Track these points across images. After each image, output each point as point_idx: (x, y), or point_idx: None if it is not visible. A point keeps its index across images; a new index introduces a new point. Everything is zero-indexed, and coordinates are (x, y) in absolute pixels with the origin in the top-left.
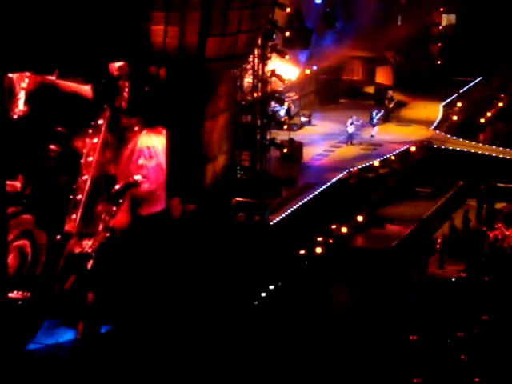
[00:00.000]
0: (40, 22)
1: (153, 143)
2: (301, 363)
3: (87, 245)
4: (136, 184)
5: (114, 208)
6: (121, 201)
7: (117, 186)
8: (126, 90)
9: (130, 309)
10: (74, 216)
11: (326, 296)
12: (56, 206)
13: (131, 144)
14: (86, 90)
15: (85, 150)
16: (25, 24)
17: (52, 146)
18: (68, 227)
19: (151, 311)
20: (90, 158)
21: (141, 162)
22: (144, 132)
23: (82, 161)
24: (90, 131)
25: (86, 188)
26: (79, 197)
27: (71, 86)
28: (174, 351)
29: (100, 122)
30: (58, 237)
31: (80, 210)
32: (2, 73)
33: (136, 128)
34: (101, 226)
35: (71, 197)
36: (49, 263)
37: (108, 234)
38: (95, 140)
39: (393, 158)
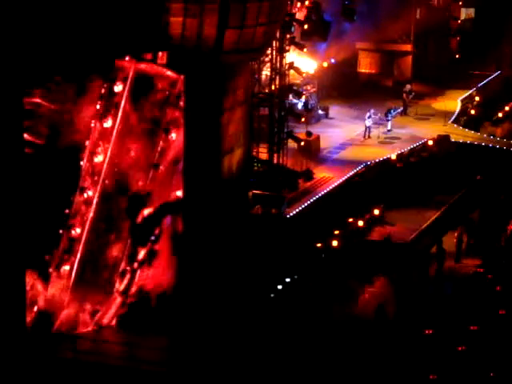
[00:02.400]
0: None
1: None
2: (314, 356)
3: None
4: (177, 206)
5: (143, 251)
6: (153, 237)
7: (147, 211)
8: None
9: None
10: (65, 268)
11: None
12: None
13: (175, 144)
14: None
15: (87, 143)
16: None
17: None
18: (53, 292)
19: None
20: (98, 159)
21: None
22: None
23: (84, 162)
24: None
25: (90, 215)
26: (76, 232)
27: None
28: (190, 343)
29: (118, 87)
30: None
31: (78, 255)
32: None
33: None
34: (118, 286)
35: (61, 231)
36: None
37: (132, 300)
38: (108, 123)
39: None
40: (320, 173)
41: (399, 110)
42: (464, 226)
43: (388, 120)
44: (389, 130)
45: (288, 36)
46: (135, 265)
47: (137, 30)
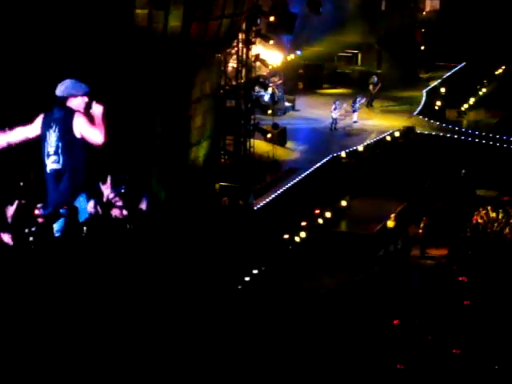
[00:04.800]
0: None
1: None
2: (284, 349)
3: None
4: None
5: None
6: None
7: None
8: None
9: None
10: None
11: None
12: None
13: None
14: None
15: None
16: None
17: None
18: None
19: (134, 297)
20: None
21: None
22: None
23: None
24: None
25: None
26: None
27: None
28: (156, 337)
29: None
30: None
31: None
32: None
33: None
34: None
35: None
36: None
37: None
38: None
39: (375, 143)
40: (287, 164)
41: (364, 99)
42: (429, 217)
43: (355, 110)
44: (355, 122)
45: (254, 28)
46: None
47: (104, 23)
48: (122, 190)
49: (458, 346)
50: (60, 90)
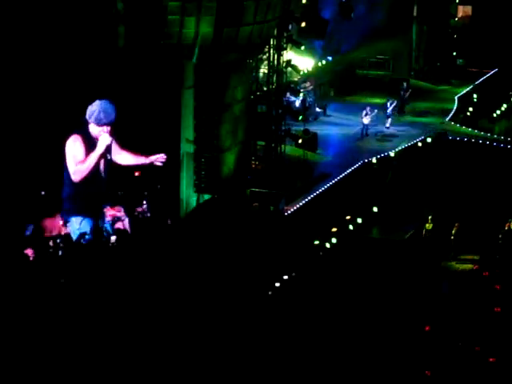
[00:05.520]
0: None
1: None
2: (312, 355)
3: None
4: None
5: None
6: None
7: None
8: None
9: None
10: None
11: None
12: None
13: None
14: None
15: None
16: None
17: None
18: None
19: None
20: None
21: None
22: None
23: None
24: None
25: None
26: None
27: None
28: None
29: None
30: None
31: None
32: None
33: None
34: None
35: None
36: None
37: None
38: None
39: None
40: (318, 170)
41: (395, 104)
42: (461, 223)
43: (388, 116)
44: (387, 128)
45: (285, 34)
46: None
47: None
48: (145, 204)
49: (490, 353)
50: (101, 116)
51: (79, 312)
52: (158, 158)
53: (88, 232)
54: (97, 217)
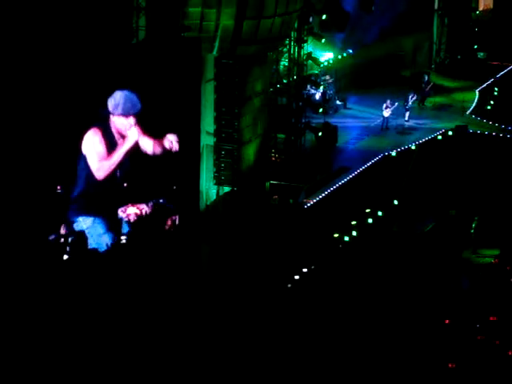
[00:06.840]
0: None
1: None
2: (330, 347)
3: None
4: None
5: None
6: None
7: None
8: None
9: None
10: None
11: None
12: None
13: None
14: None
15: None
16: None
17: None
18: None
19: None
20: None
21: None
22: None
23: None
24: None
25: None
26: None
27: None
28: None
29: None
30: None
31: None
32: None
33: None
34: None
35: None
36: None
37: None
38: None
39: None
40: (337, 163)
41: (416, 97)
42: (481, 216)
43: (408, 109)
44: (407, 121)
45: (306, 26)
46: None
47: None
48: (161, 200)
49: (509, 347)
50: (128, 105)
51: (84, 311)
52: (174, 138)
53: (101, 233)
54: (110, 217)
